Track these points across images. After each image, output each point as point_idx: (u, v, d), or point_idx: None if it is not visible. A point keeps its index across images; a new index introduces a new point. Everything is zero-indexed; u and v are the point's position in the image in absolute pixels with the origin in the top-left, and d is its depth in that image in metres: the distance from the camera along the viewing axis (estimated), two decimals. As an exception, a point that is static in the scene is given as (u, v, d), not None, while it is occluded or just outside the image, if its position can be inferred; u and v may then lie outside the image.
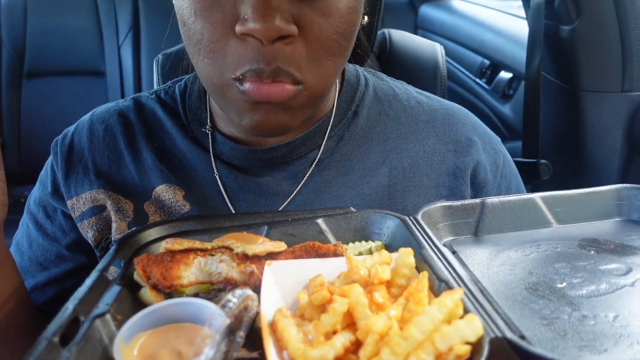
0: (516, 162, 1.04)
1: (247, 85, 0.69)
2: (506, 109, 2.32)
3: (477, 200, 0.76)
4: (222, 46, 0.68)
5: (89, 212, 0.88)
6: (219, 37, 0.68)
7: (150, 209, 0.88)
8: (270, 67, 0.67)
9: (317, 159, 0.88)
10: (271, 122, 0.72)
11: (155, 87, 1.26)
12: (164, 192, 0.87)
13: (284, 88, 0.69)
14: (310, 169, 0.88)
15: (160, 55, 1.32)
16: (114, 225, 0.87)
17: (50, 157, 0.94)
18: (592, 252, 0.70)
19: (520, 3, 1.81)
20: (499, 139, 0.99)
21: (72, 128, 0.95)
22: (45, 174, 0.94)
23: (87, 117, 0.95)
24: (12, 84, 2.69)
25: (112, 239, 0.88)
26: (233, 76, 0.69)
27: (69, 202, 0.89)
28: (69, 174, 0.90)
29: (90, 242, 0.90)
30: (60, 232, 0.92)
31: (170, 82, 1.00)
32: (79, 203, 0.89)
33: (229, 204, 0.87)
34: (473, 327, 0.47)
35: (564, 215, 0.78)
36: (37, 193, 0.94)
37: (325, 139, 0.89)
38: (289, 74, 0.68)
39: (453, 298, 0.50)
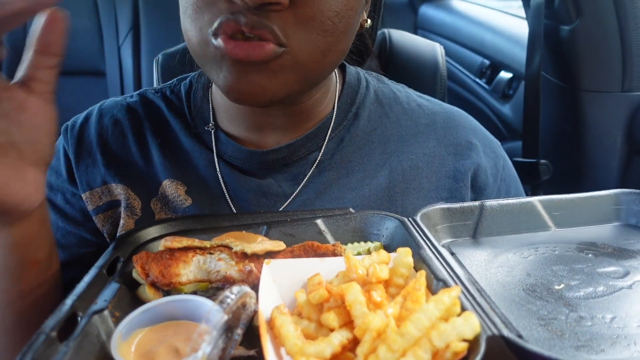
0: (516, 162, 1.04)
1: (221, 40, 0.67)
2: (506, 109, 2.31)
3: (476, 203, 0.76)
4: (208, 5, 0.68)
5: (105, 206, 0.88)
6: None
7: (157, 207, 0.88)
8: (249, 18, 0.65)
9: (317, 161, 0.88)
10: (248, 83, 0.70)
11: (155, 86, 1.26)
12: (168, 186, 0.88)
13: (264, 47, 0.67)
14: (311, 171, 0.88)
15: (160, 55, 1.32)
16: (121, 222, 0.87)
17: (61, 140, 0.92)
18: (590, 255, 0.70)
19: (520, 3, 1.81)
20: (499, 143, 1.00)
21: (81, 118, 0.94)
22: (57, 159, 0.92)
23: (95, 110, 0.95)
24: (13, 84, 2.69)
25: (118, 236, 0.88)
26: (211, 29, 0.68)
27: (82, 196, 0.89)
28: (79, 166, 0.89)
29: (105, 235, 0.89)
30: (82, 217, 0.90)
31: (175, 79, 1.00)
32: (94, 197, 0.88)
33: (230, 203, 0.87)
34: (470, 324, 0.47)
35: (562, 219, 0.78)
36: (50, 179, 0.92)
37: (326, 141, 0.89)
38: (270, 30, 0.66)
39: (450, 295, 0.50)
